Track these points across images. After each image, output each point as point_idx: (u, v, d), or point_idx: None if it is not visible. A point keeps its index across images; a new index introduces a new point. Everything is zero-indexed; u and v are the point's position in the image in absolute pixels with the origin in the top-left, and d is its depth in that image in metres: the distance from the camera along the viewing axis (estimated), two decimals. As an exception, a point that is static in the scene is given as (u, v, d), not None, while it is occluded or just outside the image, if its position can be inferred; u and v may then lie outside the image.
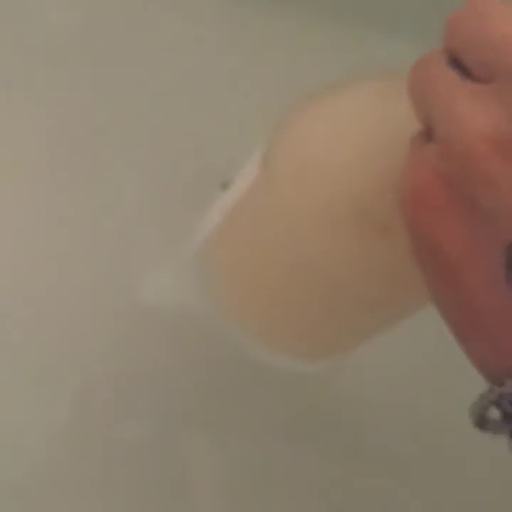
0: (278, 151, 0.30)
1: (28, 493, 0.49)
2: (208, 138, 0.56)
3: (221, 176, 0.36)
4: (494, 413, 0.24)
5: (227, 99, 0.58)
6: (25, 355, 0.51)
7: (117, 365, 0.53)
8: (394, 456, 0.54)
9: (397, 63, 0.28)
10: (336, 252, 0.29)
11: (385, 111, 0.27)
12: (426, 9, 0.58)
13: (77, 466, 0.50)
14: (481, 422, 0.24)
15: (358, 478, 0.53)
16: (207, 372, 0.53)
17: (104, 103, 0.58)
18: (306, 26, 0.62)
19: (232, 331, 0.37)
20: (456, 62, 0.24)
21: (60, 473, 0.50)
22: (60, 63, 0.58)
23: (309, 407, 0.52)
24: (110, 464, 0.51)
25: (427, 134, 0.24)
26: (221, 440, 0.53)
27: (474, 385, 0.26)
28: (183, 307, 0.52)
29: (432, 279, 0.25)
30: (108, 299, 0.53)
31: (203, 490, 0.52)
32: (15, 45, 0.58)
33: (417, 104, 0.25)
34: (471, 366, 0.26)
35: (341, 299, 0.31)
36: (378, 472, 0.54)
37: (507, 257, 0.22)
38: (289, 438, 0.52)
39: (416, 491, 0.54)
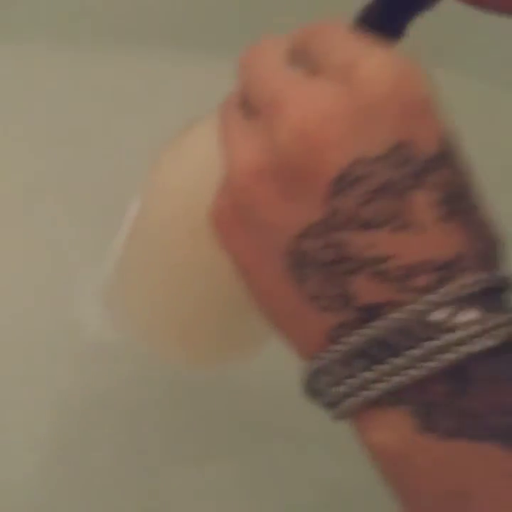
0: (149, 186, 0.37)
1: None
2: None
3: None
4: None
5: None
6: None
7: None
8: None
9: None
10: (193, 261, 0.36)
11: (212, 149, 0.31)
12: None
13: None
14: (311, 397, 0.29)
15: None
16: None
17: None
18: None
19: (148, 348, 0.42)
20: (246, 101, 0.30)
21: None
22: None
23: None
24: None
25: None
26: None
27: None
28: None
29: (241, 280, 0.30)
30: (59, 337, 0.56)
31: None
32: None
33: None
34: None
35: (215, 301, 0.37)
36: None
37: (289, 261, 0.27)
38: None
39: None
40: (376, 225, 0.26)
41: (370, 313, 0.26)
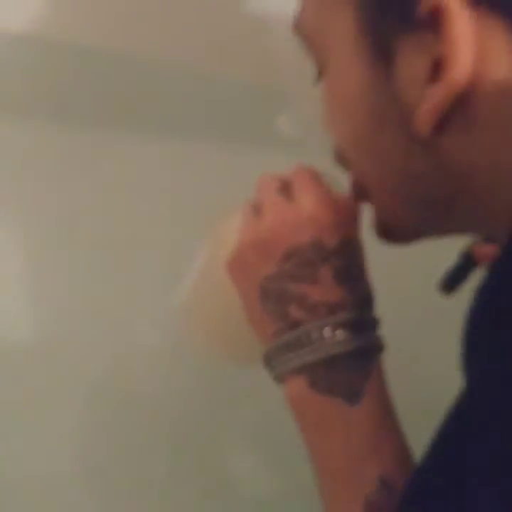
0: (209, 247, 0.60)
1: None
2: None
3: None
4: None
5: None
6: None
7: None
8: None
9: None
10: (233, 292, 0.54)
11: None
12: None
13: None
14: (268, 369, 0.52)
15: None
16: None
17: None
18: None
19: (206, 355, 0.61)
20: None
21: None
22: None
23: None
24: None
25: None
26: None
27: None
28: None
29: (239, 296, 0.53)
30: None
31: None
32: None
33: None
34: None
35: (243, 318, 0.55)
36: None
37: (260, 291, 0.50)
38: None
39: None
40: (301, 279, 0.49)
41: (295, 325, 0.49)
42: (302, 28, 0.48)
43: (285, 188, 0.52)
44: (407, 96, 0.41)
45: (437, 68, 0.39)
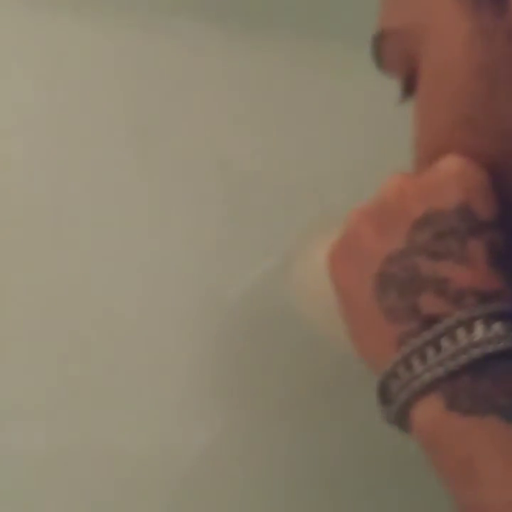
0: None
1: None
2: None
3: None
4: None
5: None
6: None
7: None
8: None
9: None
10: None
11: None
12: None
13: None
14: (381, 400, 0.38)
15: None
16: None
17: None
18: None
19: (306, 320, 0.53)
20: None
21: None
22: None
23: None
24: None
25: None
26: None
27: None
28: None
29: (338, 303, 0.40)
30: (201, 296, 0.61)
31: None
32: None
33: None
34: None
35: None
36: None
37: (376, 281, 0.37)
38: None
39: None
40: (441, 257, 0.36)
41: (430, 322, 0.36)
42: (387, 28, 0.43)
43: None
44: None
45: None
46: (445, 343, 0.35)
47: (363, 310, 0.38)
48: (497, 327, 0.35)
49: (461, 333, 0.35)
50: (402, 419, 0.37)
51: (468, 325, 0.35)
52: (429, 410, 0.35)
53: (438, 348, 0.35)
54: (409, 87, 0.43)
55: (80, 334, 0.59)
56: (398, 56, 0.43)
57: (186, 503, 0.60)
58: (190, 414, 0.60)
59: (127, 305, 0.60)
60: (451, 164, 0.38)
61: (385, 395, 0.37)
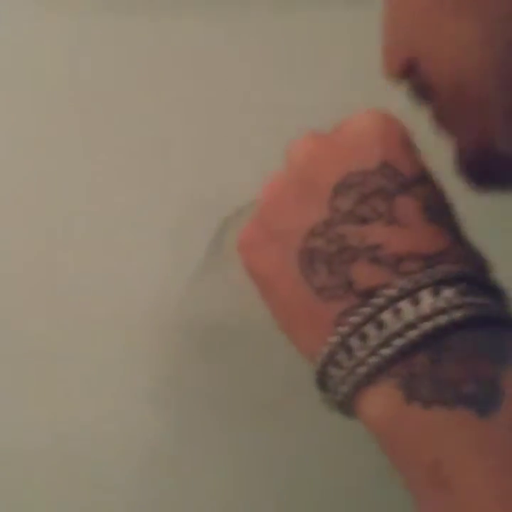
0: None
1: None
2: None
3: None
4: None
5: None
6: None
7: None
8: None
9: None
10: None
11: None
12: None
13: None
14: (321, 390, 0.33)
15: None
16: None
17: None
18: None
19: None
20: None
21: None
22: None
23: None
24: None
25: None
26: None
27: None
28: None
29: (260, 295, 0.35)
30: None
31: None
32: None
33: None
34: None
35: None
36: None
37: (301, 259, 0.32)
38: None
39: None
40: (369, 220, 0.31)
41: (368, 296, 0.31)
42: None
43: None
44: None
45: None
46: (387, 318, 0.30)
47: (290, 295, 0.33)
48: (449, 294, 0.30)
49: (405, 306, 0.30)
50: (348, 411, 0.32)
51: (413, 295, 0.30)
52: (380, 402, 0.30)
53: (380, 325, 0.30)
54: None
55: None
56: None
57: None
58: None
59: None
60: (366, 120, 0.34)
61: (323, 380, 0.32)
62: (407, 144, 0.34)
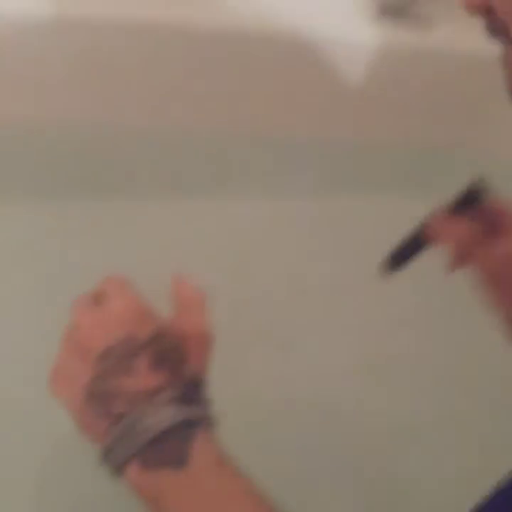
0: None
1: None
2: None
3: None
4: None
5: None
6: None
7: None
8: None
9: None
10: None
11: None
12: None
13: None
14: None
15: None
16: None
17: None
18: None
19: None
20: None
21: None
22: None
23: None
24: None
25: None
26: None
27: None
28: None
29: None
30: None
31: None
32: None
33: None
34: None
35: None
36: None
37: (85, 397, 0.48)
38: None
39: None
40: (117, 375, 0.48)
41: (119, 419, 0.47)
42: None
43: (99, 298, 0.52)
44: None
45: None
46: (129, 430, 0.47)
47: (82, 413, 0.49)
48: (164, 411, 0.47)
49: (137, 423, 0.47)
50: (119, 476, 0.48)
51: (142, 415, 0.47)
52: (132, 471, 0.47)
53: (127, 435, 0.47)
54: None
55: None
56: None
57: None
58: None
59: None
60: (116, 305, 0.50)
61: (104, 462, 0.48)
62: (140, 316, 0.50)
